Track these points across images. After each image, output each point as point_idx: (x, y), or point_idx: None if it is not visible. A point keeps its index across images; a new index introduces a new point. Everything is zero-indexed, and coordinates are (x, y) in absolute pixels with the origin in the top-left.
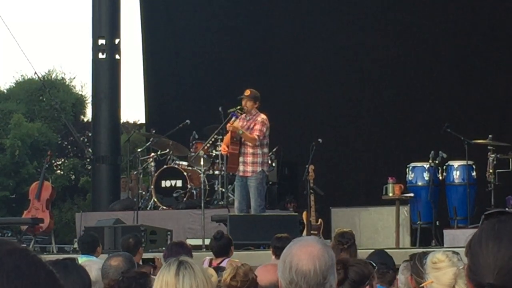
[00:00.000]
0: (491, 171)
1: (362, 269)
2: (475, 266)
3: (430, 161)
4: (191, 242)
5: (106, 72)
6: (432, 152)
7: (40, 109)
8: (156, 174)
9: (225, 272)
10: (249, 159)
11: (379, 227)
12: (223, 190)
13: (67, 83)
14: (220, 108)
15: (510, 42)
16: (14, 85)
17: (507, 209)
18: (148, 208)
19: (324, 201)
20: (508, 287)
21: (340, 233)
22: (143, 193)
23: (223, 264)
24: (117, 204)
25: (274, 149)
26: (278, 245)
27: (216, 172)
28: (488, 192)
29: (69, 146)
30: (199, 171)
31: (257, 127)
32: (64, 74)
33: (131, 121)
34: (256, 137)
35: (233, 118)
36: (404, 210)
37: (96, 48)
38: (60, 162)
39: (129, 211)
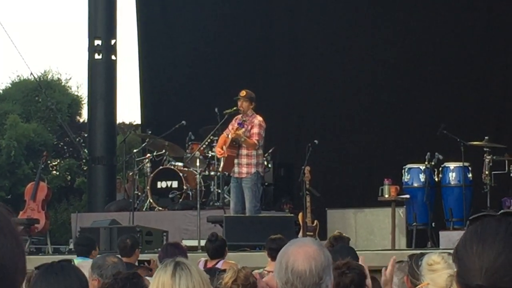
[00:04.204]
0: (487, 172)
1: (360, 269)
2: (462, 270)
3: (426, 163)
4: (186, 243)
5: (102, 73)
6: (428, 153)
7: (36, 109)
8: (152, 175)
9: (226, 275)
10: (244, 160)
11: (375, 229)
12: (219, 191)
13: (63, 83)
14: (216, 109)
15: (506, 44)
16: (10, 86)
17: (502, 210)
18: (144, 209)
19: (320, 202)
20: (496, 287)
21: (333, 236)
22: (139, 194)
23: (218, 266)
24: (113, 204)
25: (270, 150)
26: (273, 246)
27: (212, 173)
28: (484, 194)
29: (65, 147)
30: (195, 172)
31: (255, 130)
32: (60, 74)
33: (127, 122)
34: (256, 141)
35: (239, 127)
36: (400, 212)
37: (92, 49)
38: (56, 163)
39: (124, 211)
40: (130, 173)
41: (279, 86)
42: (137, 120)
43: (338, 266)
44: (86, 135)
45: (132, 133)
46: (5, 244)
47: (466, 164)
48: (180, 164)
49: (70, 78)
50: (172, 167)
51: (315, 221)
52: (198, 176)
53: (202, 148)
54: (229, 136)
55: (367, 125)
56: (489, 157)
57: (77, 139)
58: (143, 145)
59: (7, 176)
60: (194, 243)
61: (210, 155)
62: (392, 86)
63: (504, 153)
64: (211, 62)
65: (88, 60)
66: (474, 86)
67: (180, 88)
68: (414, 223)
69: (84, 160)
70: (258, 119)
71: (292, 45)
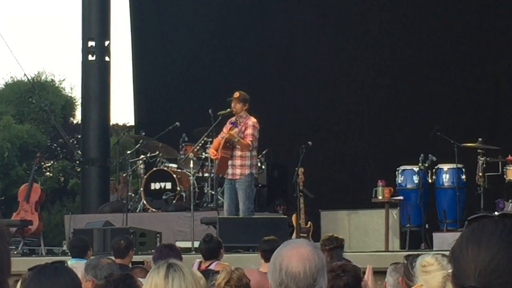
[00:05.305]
0: (480, 174)
1: (356, 271)
2: (457, 271)
3: (420, 164)
4: (180, 244)
5: (96, 74)
6: (422, 155)
7: (30, 111)
8: (145, 176)
9: (219, 276)
10: (238, 161)
11: (368, 230)
12: (213, 192)
13: (56, 85)
14: (209, 111)
15: (500, 46)
16: (3, 87)
17: (496, 212)
18: (137, 211)
19: (314, 204)
20: None
21: (326, 237)
22: (132, 195)
23: (212, 267)
24: (107, 206)
25: (264, 152)
26: (266, 248)
27: (206, 175)
28: (478, 196)
29: (59, 148)
30: (189, 173)
31: (249, 131)
32: (54, 76)
33: (121, 123)
34: (250, 142)
35: (232, 127)
36: (394, 213)
37: (86, 50)
38: (49, 164)
39: (118, 213)
40: (124, 175)
41: (273, 87)
42: (131, 122)
43: (333, 268)
44: (79, 136)
45: (126, 135)
46: None
47: (460, 165)
48: (174, 165)
49: (63, 80)
50: (166, 168)
51: (309, 223)
52: (191, 177)
53: (195, 150)
54: (223, 137)
55: (361, 127)
56: (483, 158)
57: (71, 141)
58: (137, 146)
59: (0, 178)
60: (187, 244)
61: (203, 156)
62: (386, 87)
63: (497, 154)
64: (205, 64)
65: (82, 61)
66: (467, 88)
67: (174, 89)
68: (408, 225)
69: (77, 162)
70: (252, 120)
71: (286, 46)
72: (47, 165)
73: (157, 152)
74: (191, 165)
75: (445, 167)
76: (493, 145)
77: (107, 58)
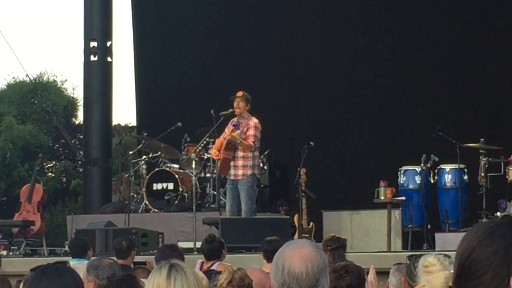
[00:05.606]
0: (482, 174)
1: (359, 272)
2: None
3: (422, 165)
4: (182, 245)
5: (98, 75)
6: (424, 155)
7: (32, 111)
8: (147, 176)
9: (221, 277)
10: (240, 162)
11: (370, 231)
12: (215, 193)
13: (58, 85)
14: (212, 111)
15: (501, 46)
16: (5, 88)
17: (498, 213)
18: (139, 211)
19: (316, 204)
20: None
21: (329, 237)
22: (134, 195)
23: (214, 267)
24: (109, 206)
25: (266, 152)
26: (268, 248)
27: (208, 175)
28: (480, 196)
29: (61, 149)
30: (191, 174)
31: (251, 132)
32: (56, 76)
33: (123, 124)
34: (252, 143)
35: (234, 128)
36: (396, 214)
37: (88, 51)
38: (51, 165)
39: (120, 213)
40: (126, 175)
41: (275, 88)
42: (133, 122)
43: (336, 269)
44: (81, 137)
45: (128, 135)
46: None
47: (462, 166)
48: (176, 166)
49: (65, 80)
50: (168, 169)
51: (311, 223)
52: (193, 178)
53: (197, 150)
54: (225, 138)
55: (363, 127)
56: (485, 159)
57: (73, 141)
58: (139, 147)
59: (2, 178)
60: (190, 245)
61: (205, 157)
62: (388, 88)
63: (499, 155)
64: (207, 64)
65: (84, 62)
66: (468, 88)
67: (176, 90)
68: (410, 225)
69: (79, 162)
70: (254, 121)
71: (287, 46)
72: (49, 165)
73: (159, 153)
74: (193, 166)
75: (447, 167)
76: (495, 145)
77: (109, 59)
